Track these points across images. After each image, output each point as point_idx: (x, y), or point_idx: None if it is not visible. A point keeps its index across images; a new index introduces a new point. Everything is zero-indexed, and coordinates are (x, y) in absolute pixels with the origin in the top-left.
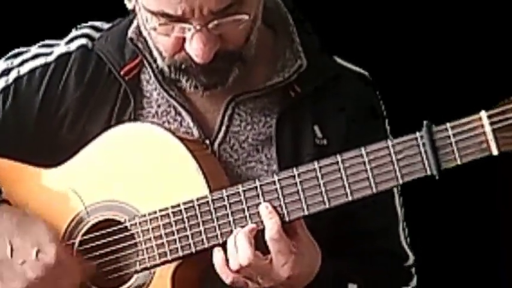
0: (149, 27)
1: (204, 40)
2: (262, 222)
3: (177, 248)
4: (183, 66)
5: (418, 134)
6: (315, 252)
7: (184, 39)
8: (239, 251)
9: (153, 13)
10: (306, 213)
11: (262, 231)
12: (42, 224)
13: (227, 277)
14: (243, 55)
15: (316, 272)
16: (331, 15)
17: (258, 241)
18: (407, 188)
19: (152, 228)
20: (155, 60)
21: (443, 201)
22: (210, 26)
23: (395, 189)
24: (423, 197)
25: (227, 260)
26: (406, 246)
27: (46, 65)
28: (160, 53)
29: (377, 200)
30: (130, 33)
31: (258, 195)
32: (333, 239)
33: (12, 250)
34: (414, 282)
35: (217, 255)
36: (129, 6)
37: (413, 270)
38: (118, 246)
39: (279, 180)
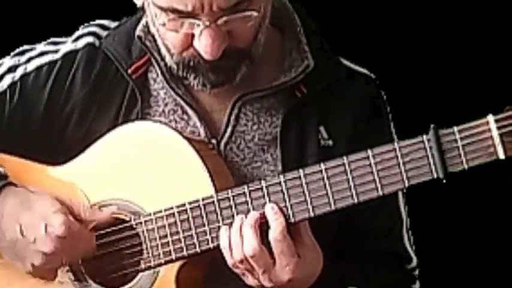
0: (158, 23)
1: (213, 36)
2: (267, 222)
3: (181, 248)
4: (191, 63)
5: (425, 137)
6: (317, 256)
7: (193, 35)
8: (245, 241)
9: (162, 9)
10: (312, 214)
11: (267, 232)
12: (46, 197)
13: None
14: (251, 53)
15: (317, 275)
16: (338, 17)
17: (262, 241)
18: (411, 190)
19: (157, 227)
20: (163, 59)
21: (447, 204)
22: (219, 22)
23: (399, 191)
24: (427, 200)
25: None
26: (409, 249)
27: (53, 63)
28: (169, 50)
29: (381, 201)
30: (139, 31)
31: (263, 196)
32: (336, 239)
33: (22, 229)
34: (417, 285)
35: (225, 236)
36: (138, 3)
37: (416, 272)
38: (123, 244)
39: (285, 181)
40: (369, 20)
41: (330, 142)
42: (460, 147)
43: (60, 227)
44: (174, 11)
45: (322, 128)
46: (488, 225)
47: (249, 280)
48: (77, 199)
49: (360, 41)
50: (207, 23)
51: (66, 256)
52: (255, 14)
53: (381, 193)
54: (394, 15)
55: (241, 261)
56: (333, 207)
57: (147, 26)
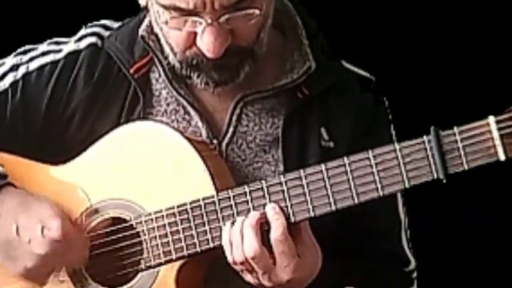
0: (161, 21)
1: (215, 34)
2: (268, 223)
3: (182, 247)
4: (194, 62)
5: (425, 138)
6: (316, 255)
7: (195, 34)
8: (245, 242)
9: (165, 7)
10: (312, 214)
11: (268, 232)
12: (45, 201)
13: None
14: (254, 52)
15: (315, 274)
16: (339, 19)
17: (263, 242)
18: (410, 193)
19: (157, 227)
20: (166, 58)
21: (446, 206)
22: (222, 20)
23: (398, 193)
24: (426, 202)
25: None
26: (407, 251)
27: (55, 62)
28: (172, 49)
29: (380, 202)
30: (142, 31)
31: (264, 196)
32: (335, 240)
33: (18, 229)
34: (415, 287)
35: (227, 233)
36: (142, 2)
37: (414, 275)
38: (123, 244)
39: (285, 181)
40: (369, 21)
41: (331, 143)
42: (461, 148)
43: (56, 230)
44: (176, 8)
45: (323, 129)
46: (487, 227)
47: (248, 278)
48: (78, 199)
49: (361, 42)
50: (209, 21)
51: (58, 261)
52: (257, 12)
53: (381, 194)
54: (394, 16)
55: (242, 263)
56: (333, 208)
57: (150, 25)
